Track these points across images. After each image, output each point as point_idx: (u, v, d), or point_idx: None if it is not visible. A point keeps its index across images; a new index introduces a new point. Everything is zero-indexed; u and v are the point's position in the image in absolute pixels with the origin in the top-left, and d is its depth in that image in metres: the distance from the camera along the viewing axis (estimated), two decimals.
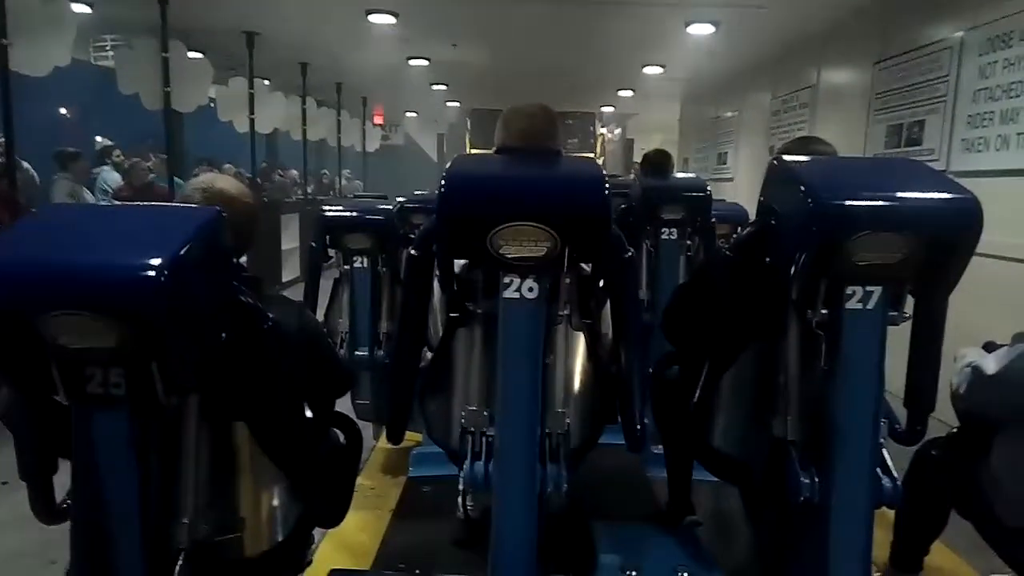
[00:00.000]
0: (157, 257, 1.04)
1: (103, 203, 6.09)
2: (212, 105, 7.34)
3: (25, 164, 5.25)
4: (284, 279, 8.05)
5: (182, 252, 1.08)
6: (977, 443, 1.73)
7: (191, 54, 6.07)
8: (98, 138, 7.41)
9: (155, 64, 5.56)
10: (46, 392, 1.16)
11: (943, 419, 1.73)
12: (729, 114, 8.22)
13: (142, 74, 5.64)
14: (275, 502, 1.44)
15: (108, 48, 7.25)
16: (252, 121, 7.31)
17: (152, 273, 1.03)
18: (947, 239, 1.34)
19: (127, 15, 5.82)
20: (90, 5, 5.54)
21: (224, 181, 1.56)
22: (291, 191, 10.24)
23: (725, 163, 8.28)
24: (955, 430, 1.86)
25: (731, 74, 7.86)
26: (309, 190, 9.97)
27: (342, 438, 1.68)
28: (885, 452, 1.47)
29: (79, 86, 8.72)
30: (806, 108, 6.15)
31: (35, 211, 1.32)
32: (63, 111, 10.91)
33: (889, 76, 4.77)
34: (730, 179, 7.95)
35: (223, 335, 1.21)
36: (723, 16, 5.54)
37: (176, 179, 6.11)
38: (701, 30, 5.88)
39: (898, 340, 1.45)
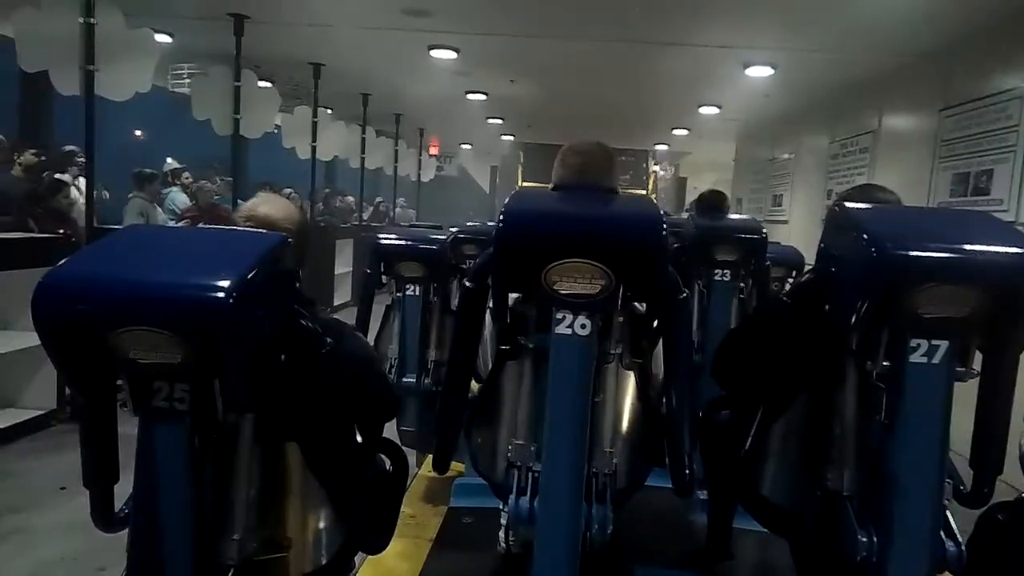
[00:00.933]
0: (226, 279, 1.09)
1: (171, 223, 6.37)
2: (277, 132, 7.62)
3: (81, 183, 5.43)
4: (336, 303, 8.22)
5: (249, 275, 1.12)
6: None
7: (260, 83, 6.33)
8: (168, 160, 7.76)
9: (228, 92, 5.81)
10: (113, 403, 1.21)
11: (1012, 482, 1.65)
12: (786, 156, 8.12)
13: (215, 101, 5.90)
14: (321, 525, 1.45)
15: (184, 75, 7.61)
16: (314, 148, 7.55)
17: (221, 294, 1.07)
18: (1017, 294, 1.29)
19: (204, 44, 6.11)
20: (170, 35, 5.85)
21: (268, 206, 1.58)
22: (348, 217, 10.51)
23: (780, 205, 8.16)
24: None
25: (788, 116, 7.78)
26: (364, 217, 10.18)
27: (388, 465, 1.69)
28: (949, 514, 1.40)
29: (152, 110, 9.18)
30: (866, 153, 6.03)
31: (117, 230, 1.39)
32: (137, 133, 11.47)
33: (955, 124, 4.65)
34: (785, 221, 7.82)
35: (281, 357, 1.24)
36: (782, 59, 5.51)
37: (240, 201, 6.34)
38: (759, 72, 5.85)
39: (965, 396, 1.39)
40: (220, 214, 6.48)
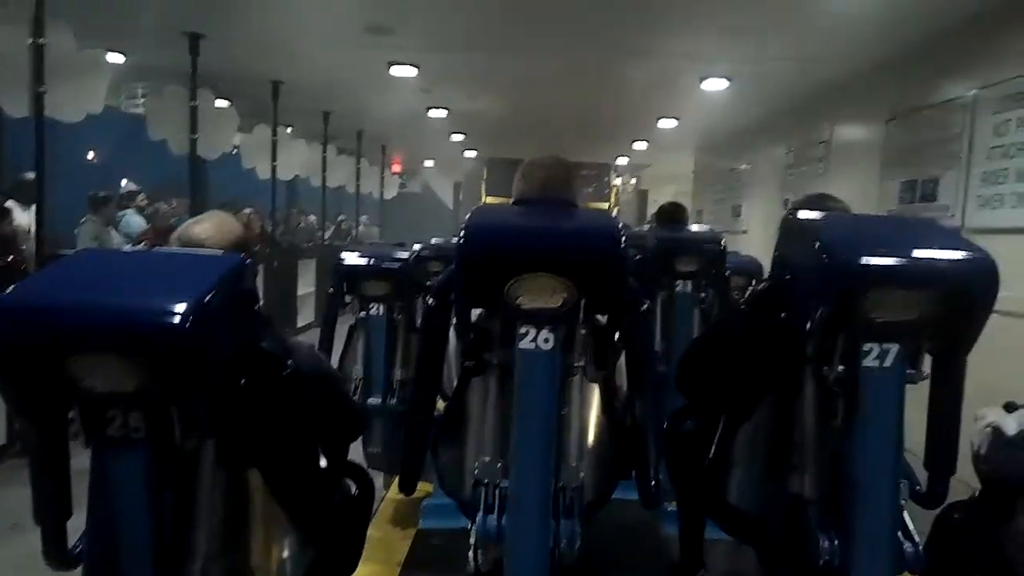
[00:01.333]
0: (182, 302, 1.07)
1: (127, 246, 6.22)
2: (236, 151, 7.53)
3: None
4: (299, 324, 8.10)
5: (207, 298, 1.10)
6: (1001, 506, 1.69)
7: (218, 102, 6.24)
8: (124, 181, 7.61)
9: (184, 112, 5.72)
10: (65, 434, 1.18)
11: (966, 480, 1.70)
12: (743, 167, 8.29)
13: (171, 121, 5.81)
14: (285, 552, 1.43)
15: (140, 96, 7.48)
16: (274, 168, 7.47)
17: (177, 318, 1.05)
18: (963, 298, 1.34)
19: (159, 64, 6.01)
20: (123, 54, 5.74)
21: (201, 226, 1.56)
22: (311, 236, 10.41)
23: (739, 215, 8.32)
24: (978, 492, 1.81)
25: (745, 127, 7.96)
26: (327, 236, 10.09)
27: (354, 488, 1.67)
28: (906, 515, 1.44)
29: (109, 131, 9.02)
30: (820, 162, 6.20)
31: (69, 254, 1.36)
32: (92, 155, 11.25)
33: (902, 132, 4.81)
34: (744, 231, 7.98)
35: (242, 380, 1.22)
36: (736, 71, 5.65)
37: None
38: (715, 85, 5.99)
39: (920, 396, 1.43)
40: None
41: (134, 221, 6.99)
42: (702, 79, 5.86)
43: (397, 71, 5.89)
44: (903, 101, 4.83)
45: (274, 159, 7.43)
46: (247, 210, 8.44)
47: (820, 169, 6.17)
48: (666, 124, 8.10)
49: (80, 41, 4.36)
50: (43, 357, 1.08)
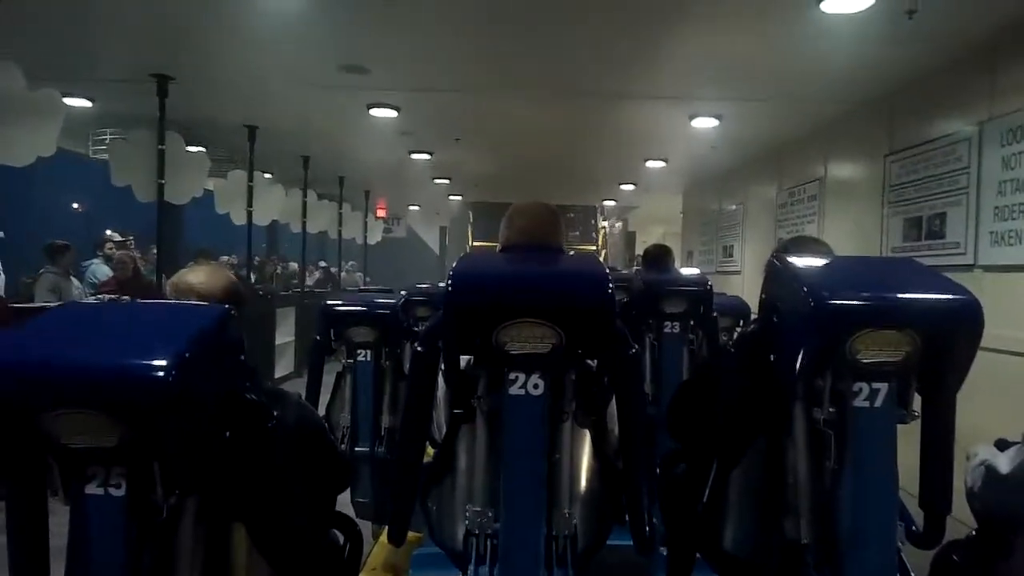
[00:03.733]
0: (164, 356, 1.09)
1: (90, 296, 6.17)
2: (212, 196, 7.58)
3: None
4: (277, 374, 8.07)
5: (190, 351, 1.13)
6: (998, 544, 1.73)
7: (190, 148, 6.27)
8: (108, 231, 7.64)
9: (150, 156, 5.68)
10: (42, 490, 1.20)
11: (963, 520, 1.74)
12: (733, 206, 8.45)
13: (136, 166, 5.75)
14: None
15: (107, 141, 7.52)
16: (250, 213, 7.51)
17: (159, 373, 1.08)
18: (947, 337, 1.41)
19: (127, 109, 6.01)
20: (91, 100, 5.77)
21: (194, 275, 1.65)
22: (289, 283, 10.43)
23: (731, 256, 8.44)
24: (975, 531, 1.86)
25: (735, 167, 8.14)
26: (310, 282, 10.10)
27: (341, 539, 1.69)
28: (903, 556, 1.48)
29: (86, 179, 9.11)
30: (815, 201, 6.27)
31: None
32: (75, 205, 11.38)
33: (902, 168, 4.82)
34: (737, 272, 8.09)
35: (226, 432, 1.26)
36: (726, 109, 5.77)
37: (164, 272, 6.19)
38: (705, 123, 6.10)
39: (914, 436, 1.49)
40: (143, 285, 6.28)
41: (100, 271, 6.96)
42: (691, 118, 5.99)
43: (377, 113, 5.99)
44: (901, 137, 4.86)
45: (250, 204, 7.45)
46: (223, 258, 8.48)
47: (815, 207, 6.26)
48: (654, 165, 8.27)
49: (38, 82, 4.31)
50: (22, 413, 1.11)
